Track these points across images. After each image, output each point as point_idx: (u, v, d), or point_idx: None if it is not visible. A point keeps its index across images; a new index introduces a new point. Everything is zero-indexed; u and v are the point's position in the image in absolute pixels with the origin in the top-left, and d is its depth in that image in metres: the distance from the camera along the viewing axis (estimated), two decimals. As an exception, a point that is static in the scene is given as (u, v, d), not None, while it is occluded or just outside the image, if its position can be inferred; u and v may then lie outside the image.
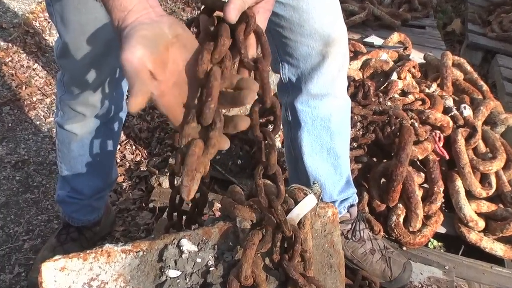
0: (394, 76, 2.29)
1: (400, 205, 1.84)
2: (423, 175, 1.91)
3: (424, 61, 2.69)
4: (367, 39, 3.11)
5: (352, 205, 1.53)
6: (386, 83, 2.23)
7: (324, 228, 0.86)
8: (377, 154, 1.98)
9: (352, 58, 2.39)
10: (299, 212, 0.77)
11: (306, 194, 0.80)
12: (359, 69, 2.37)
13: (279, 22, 1.14)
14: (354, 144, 1.91)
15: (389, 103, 2.07)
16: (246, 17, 0.64)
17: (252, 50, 0.67)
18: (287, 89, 1.29)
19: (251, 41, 0.66)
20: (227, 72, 0.61)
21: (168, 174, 1.29)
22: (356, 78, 2.22)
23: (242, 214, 0.79)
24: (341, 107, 1.31)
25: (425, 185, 1.92)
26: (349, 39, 2.50)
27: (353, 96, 2.02)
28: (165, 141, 2.39)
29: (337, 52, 1.19)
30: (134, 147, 2.35)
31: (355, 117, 1.91)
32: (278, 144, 1.92)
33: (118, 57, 0.58)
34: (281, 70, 1.26)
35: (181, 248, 0.78)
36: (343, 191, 1.46)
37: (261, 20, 0.69)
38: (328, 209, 0.87)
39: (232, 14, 0.61)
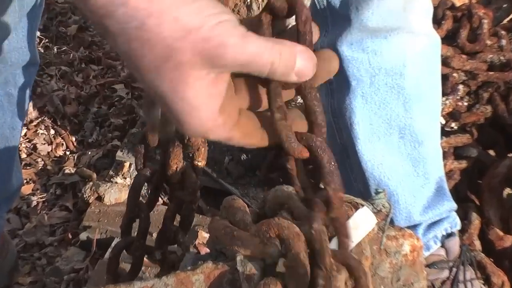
0: None
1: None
2: None
3: None
4: None
5: (450, 235, 1.34)
6: None
7: (398, 275, 0.76)
8: (497, 144, 1.69)
9: None
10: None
11: (357, 208, 0.70)
12: None
13: None
14: (454, 124, 1.62)
15: None
16: None
17: None
18: (325, 20, 1.16)
19: None
20: None
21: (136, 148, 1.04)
22: (457, 4, 1.83)
23: (246, 249, 0.67)
24: (422, 51, 1.16)
25: None
26: None
27: (450, 37, 1.68)
28: (109, 120, 2.11)
29: None
30: (52, 132, 2.07)
31: (455, 74, 1.62)
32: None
33: None
34: None
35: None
36: (431, 208, 1.27)
37: None
38: (405, 241, 0.76)
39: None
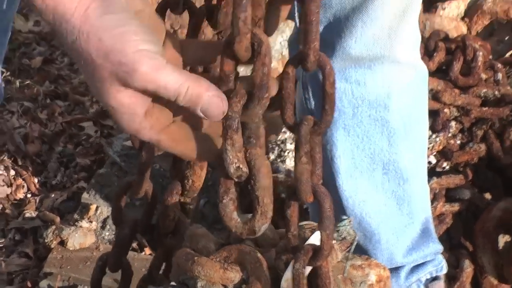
0: None
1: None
2: None
3: None
4: None
5: (435, 279, 1.30)
6: None
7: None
8: (493, 185, 1.65)
9: None
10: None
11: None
12: (462, 18, 1.93)
13: None
14: (445, 164, 1.60)
15: None
16: None
17: None
18: (306, 89, 1.19)
19: None
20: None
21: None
22: (453, 35, 1.82)
23: (207, 274, 0.70)
24: (408, 83, 1.16)
25: None
26: None
27: (442, 70, 1.67)
28: (75, 160, 2.08)
29: None
30: (13, 173, 2.01)
31: (447, 110, 1.59)
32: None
33: None
34: (296, 11, 1.12)
35: None
36: (415, 249, 1.24)
37: None
38: (371, 270, 0.77)
39: None
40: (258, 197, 0.61)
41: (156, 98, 0.59)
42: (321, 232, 0.63)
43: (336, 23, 1.11)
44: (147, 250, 1.58)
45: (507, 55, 1.84)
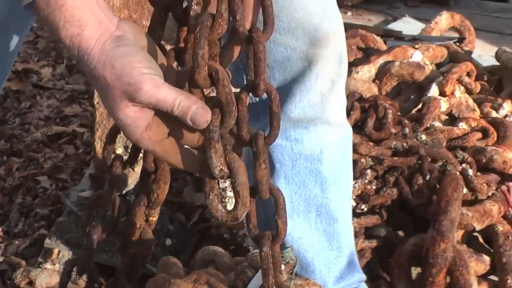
0: (433, 91, 1.89)
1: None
2: (487, 259, 1.56)
3: (497, 63, 2.17)
4: (393, 26, 2.42)
5: None
6: (420, 103, 1.86)
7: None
8: (404, 224, 1.67)
9: (360, 62, 1.99)
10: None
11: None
12: (373, 80, 1.96)
13: None
14: (364, 206, 1.61)
15: (423, 137, 1.76)
16: None
17: (250, 17, 0.71)
18: (256, 112, 1.17)
19: (248, 4, 0.71)
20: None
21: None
22: (366, 95, 1.86)
23: None
24: (337, 140, 1.22)
25: (493, 277, 1.59)
26: (359, 26, 2.20)
27: (359, 126, 1.72)
28: (35, 211, 2.03)
29: (330, 56, 1.12)
30: None
31: (363, 160, 1.63)
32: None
33: None
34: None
35: None
36: (343, 278, 1.29)
37: None
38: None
39: None
40: (239, 191, 0.67)
41: (157, 113, 0.67)
42: (276, 220, 0.73)
43: (279, 91, 1.11)
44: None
45: (413, 111, 1.86)
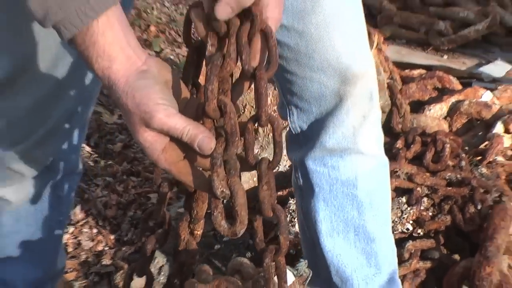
0: (498, 128, 1.93)
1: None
2: (537, 284, 1.50)
3: None
4: (484, 68, 2.31)
5: None
6: (487, 139, 1.90)
7: None
8: (461, 248, 1.70)
9: (433, 100, 2.06)
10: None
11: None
12: (445, 118, 2.04)
13: (281, 53, 1.11)
14: (420, 230, 1.68)
15: (483, 170, 1.78)
16: (249, 14, 0.70)
17: (257, 56, 0.74)
18: (298, 141, 1.24)
19: (256, 45, 0.73)
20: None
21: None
22: (434, 129, 1.92)
23: None
24: (370, 169, 1.23)
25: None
26: (451, 69, 2.25)
27: (418, 158, 1.80)
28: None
29: (360, 93, 1.14)
30: (95, 231, 2.14)
31: (418, 189, 1.68)
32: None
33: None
34: (289, 117, 1.22)
35: None
36: None
37: (273, 16, 0.74)
38: None
39: (222, 11, 0.70)
40: (237, 211, 0.70)
41: (172, 139, 0.71)
42: (279, 236, 0.74)
43: (315, 124, 1.20)
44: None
45: (480, 147, 1.88)
